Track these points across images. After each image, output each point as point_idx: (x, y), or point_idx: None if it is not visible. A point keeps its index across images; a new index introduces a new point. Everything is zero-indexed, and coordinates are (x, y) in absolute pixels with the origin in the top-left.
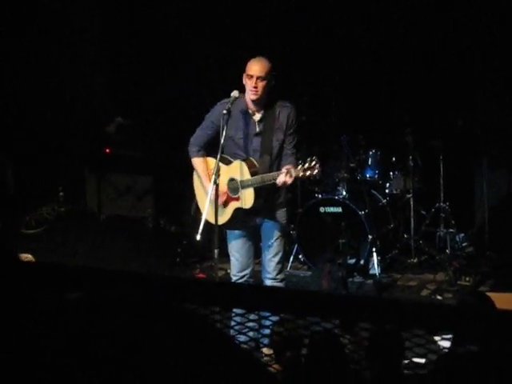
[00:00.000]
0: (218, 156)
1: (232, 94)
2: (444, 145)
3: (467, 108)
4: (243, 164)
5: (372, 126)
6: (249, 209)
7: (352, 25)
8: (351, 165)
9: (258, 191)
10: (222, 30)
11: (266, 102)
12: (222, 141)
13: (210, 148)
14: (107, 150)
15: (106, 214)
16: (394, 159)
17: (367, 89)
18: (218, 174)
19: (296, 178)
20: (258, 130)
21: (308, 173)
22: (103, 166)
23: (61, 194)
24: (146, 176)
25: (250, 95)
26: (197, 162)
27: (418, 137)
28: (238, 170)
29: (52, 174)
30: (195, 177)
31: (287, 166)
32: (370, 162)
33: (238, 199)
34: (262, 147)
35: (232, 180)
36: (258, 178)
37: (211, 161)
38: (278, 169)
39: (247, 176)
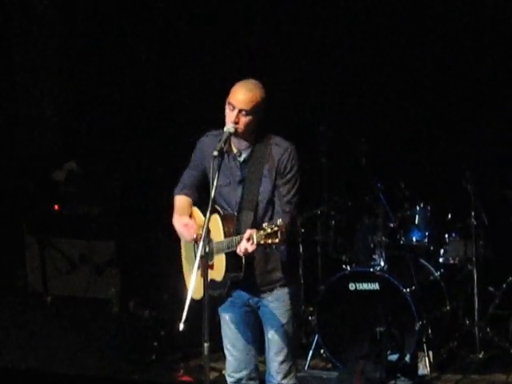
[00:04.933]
0: (207, 217)
1: (225, 129)
2: None
3: None
4: (219, 221)
5: (418, 170)
6: (222, 281)
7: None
8: (391, 224)
9: (231, 258)
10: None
11: (254, 138)
12: (213, 193)
13: (200, 195)
14: (55, 207)
15: (54, 295)
16: (449, 216)
17: (408, 118)
18: (207, 240)
19: (258, 245)
20: (240, 175)
21: (269, 241)
22: (49, 228)
23: None
24: (106, 241)
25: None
26: (176, 199)
27: (482, 183)
28: (214, 227)
29: None
30: (182, 244)
31: (250, 230)
32: (417, 221)
33: (212, 267)
34: (244, 200)
35: (209, 241)
36: (224, 241)
37: (195, 212)
38: None
39: (221, 237)
